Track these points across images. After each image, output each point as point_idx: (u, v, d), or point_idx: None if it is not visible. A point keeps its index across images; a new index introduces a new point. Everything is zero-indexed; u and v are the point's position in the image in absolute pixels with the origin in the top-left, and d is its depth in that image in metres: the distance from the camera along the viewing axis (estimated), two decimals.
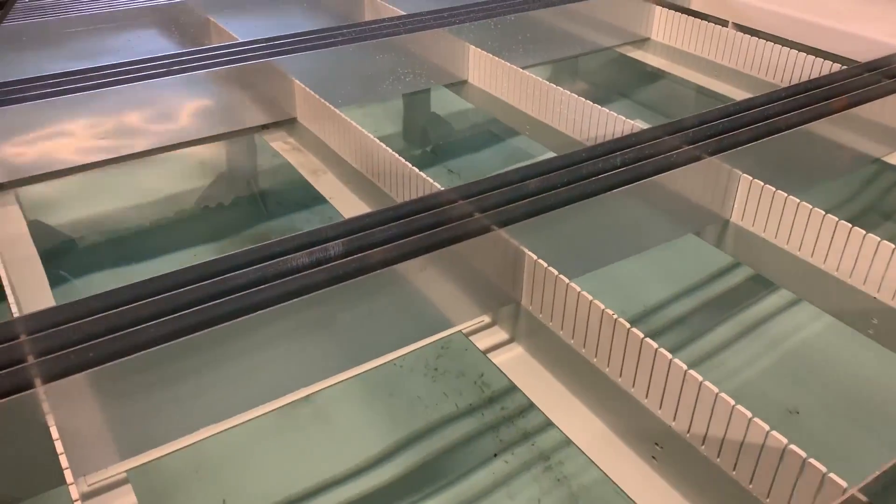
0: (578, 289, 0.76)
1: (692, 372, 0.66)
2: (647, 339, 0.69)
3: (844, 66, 1.24)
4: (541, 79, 1.27)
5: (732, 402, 0.63)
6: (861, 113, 1.11)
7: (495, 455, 0.96)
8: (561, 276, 0.78)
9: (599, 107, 1.16)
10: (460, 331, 0.88)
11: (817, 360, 1.06)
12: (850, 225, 0.87)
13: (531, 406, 0.82)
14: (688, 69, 1.53)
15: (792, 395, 1.03)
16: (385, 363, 0.84)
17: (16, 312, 0.76)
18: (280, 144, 1.25)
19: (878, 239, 0.85)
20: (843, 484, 0.55)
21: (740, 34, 1.48)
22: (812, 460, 0.58)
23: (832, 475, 0.57)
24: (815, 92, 1.12)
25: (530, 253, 0.82)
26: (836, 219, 0.89)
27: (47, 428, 0.61)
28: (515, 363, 0.85)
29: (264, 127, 1.26)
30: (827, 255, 0.91)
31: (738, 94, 1.37)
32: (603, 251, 0.94)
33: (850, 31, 1.37)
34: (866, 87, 1.14)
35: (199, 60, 1.21)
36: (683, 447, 0.68)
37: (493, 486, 0.93)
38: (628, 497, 0.69)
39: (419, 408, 1.01)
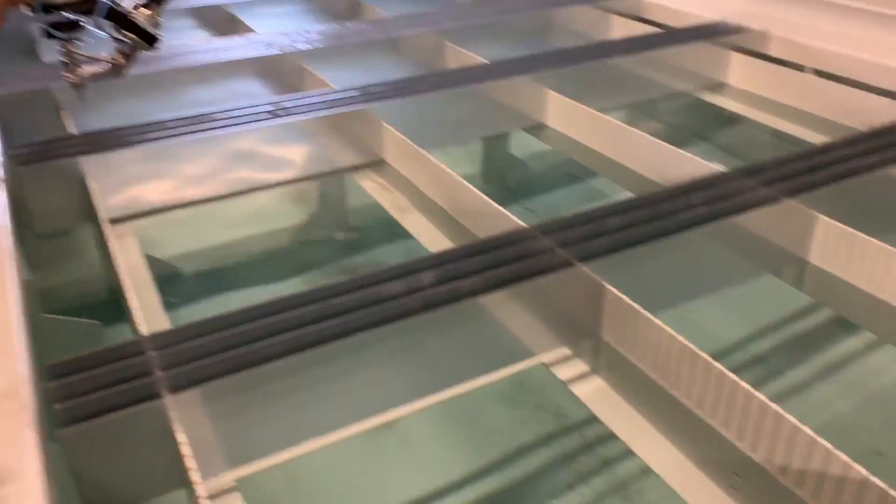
0: (659, 323, 0.80)
1: (773, 405, 0.68)
2: (728, 372, 0.72)
3: None
4: (618, 121, 1.32)
5: (812, 433, 0.65)
6: None
7: (571, 486, 0.99)
8: (643, 310, 0.82)
9: (677, 149, 1.20)
10: (541, 362, 0.92)
11: None
12: None
13: (610, 436, 0.84)
14: (765, 113, 1.55)
15: (876, 437, 1.03)
16: (468, 392, 0.88)
17: (142, 332, 0.84)
18: (369, 184, 1.33)
19: None
20: None
21: (819, 79, 1.49)
22: (894, 493, 0.60)
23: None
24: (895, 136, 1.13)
25: (611, 288, 0.86)
26: None
27: (172, 434, 0.68)
28: (595, 394, 0.88)
29: (355, 168, 1.34)
30: None
31: (817, 139, 1.38)
32: (682, 289, 0.97)
33: None
34: None
35: (297, 107, 1.30)
36: (763, 477, 0.70)
37: None
38: None
39: (499, 436, 1.05)
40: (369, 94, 1.36)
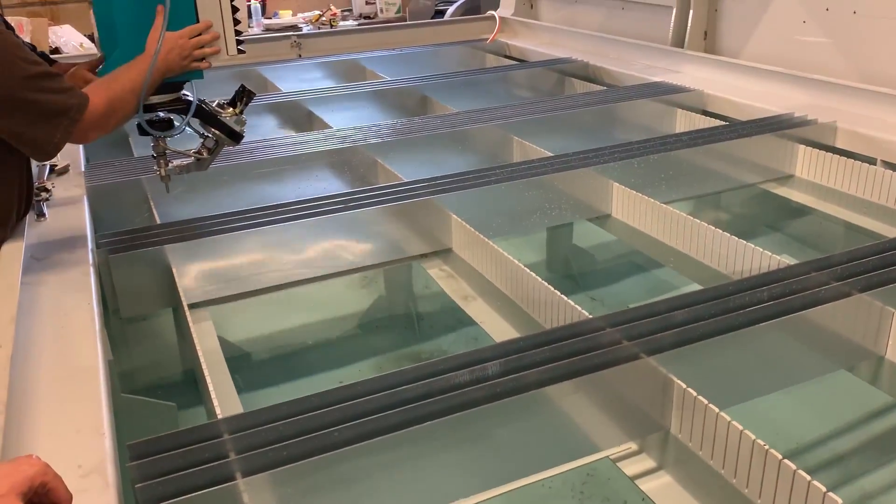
0: (729, 419, 0.79)
1: (818, 484, 0.66)
2: (800, 471, 0.70)
3: None
4: (683, 213, 1.33)
5: None
6: None
7: None
8: (711, 405, 0.81)
9: (744, 241, 1.20)
10: (607, 456, 0.91)
11: None
12: None
13: None
14: (834, 205, 1.54)
15: None
16: (533, 483, 0.88)
17: (218, 415, 0.87)
18: (436, 272, 1.36)
19: None
20: None
21: (889, 171, 1.48)
22: None
23: None
24: None
25: (679, 381, 0.85)
26: None
27: None
28: (663, 491, 0.86)
29: (423, 256, 1.38)
30: None
31: (888, 231, 1.36)
32: (751, 383, 0.95)
33: None
34: None
35: (370, 198, 1.36)
36: None
37: None
38: None
39: None
40: (437, 185, 1.41)
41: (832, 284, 0.98)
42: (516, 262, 1.18)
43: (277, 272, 1.30)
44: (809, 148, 1.62)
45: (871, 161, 1.56)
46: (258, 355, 1.37)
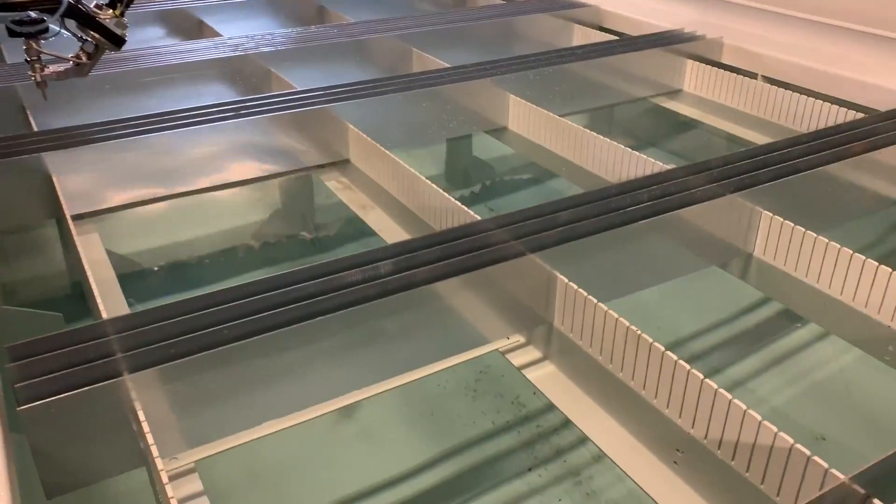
0: (606, 308, 0.83)
1: (708, 381, 0.72)
2: (668, 353, 0.76)
3: (865, 115, 1.31)
4: (576, 125, 1.36)
5: (744, 406, 0.68)
6: (878, 157, 1.17)
7: (529, 469, 1.02)
8: (591, 297, 0.85)
9: (632, 151, 1.24)
10: (497, 349, 0.95)
11: (842, 389, 1.10)
12: (863, 257, 0.93)
13: (564, 420, 0.88)
14: (718, 118, 1.61)
15: (819, 424, 1.07)
16: (427, 379, 0.91)
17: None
18: (334, 183, 1.35)
19: (891, 270, 0.90)
20: (842, 476, 0.60)
21: (769, 86, 1.55)
22: (816, 458, 0.64)
23: (833, 470, 0.62)
24: (836, 137, 1.19)
25: (562, 277, 0.89)
26: (851, 251, 0.94)
27: (134, 413, 0.70)
28: (548, 380, 0.91)
29: (320, 167, 1.37)
30: (843, 286, 0.96)
31: (765, 141, 1.44)
32: (630, 279, 1.01)
33: (872, 83, 1.44)
34: (884, 133, 1.20)
35: (264, 106, 1.32)
36: (702, 452, 0.74)
37: (527, 499, 0.99)
38: (654, 501, 0.74)
39: (458, 425, 1.08)
40: (332, 94, 1.39)
41: (706, 186, 1.04)
42: (414, 171, 1.19)
43: (166, 184, 1.26)
44: (697, 63, 1.67)
45: (753, 76, 1.63)
46: (149, 269, 1.34)
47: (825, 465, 0.63)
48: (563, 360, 0.92)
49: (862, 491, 0.58)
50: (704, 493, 0.74)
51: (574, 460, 1.03)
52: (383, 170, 1.27)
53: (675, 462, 0.77)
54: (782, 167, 1.09)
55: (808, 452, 0.64)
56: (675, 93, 1.71)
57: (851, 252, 0.94)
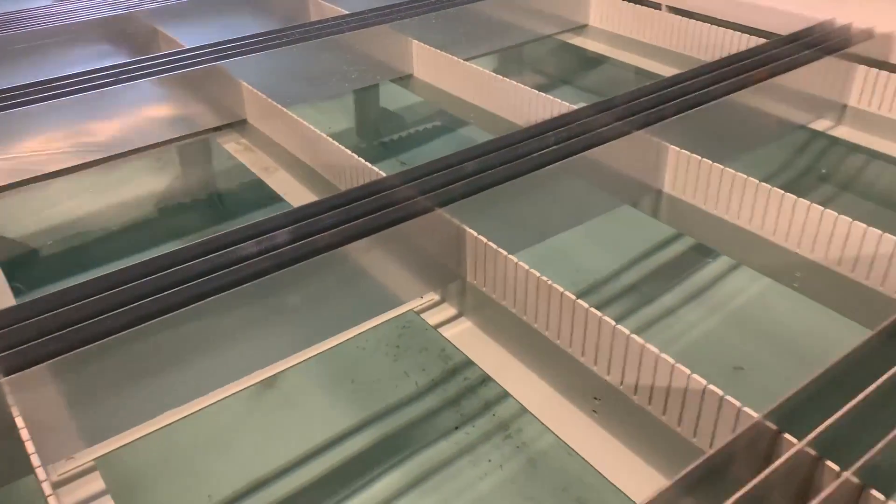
0: (516, 260, 0.81)
1: (620, 326, 0.71)
2: (579, 301, 0.74)
3: (767, 41, 1.31)
4: (483, 69, 1.32)
5: (657, 350, 0.68)
6: (781, 82, 1.17)
7: (456, 428, 1.00)
8: (500, 250, 0.83)
9: (539, 92, 1.21)
10: (412, 309, 0.93)
11: (755, 318, 1.12)
12: (768, 186, 0.93)
13: (485, 375, 0.86)
14: (625, 52, 1.59)
15: (736, 354, 1.09)
16: (345, 346, 0.88)
17: None
18: (232, 146, 1.28)
19: (795, 197, 0.91)
20: (755, 415, 0.60)
21: (673, 16, 1.54)
22: (729, 397, 0.63)
23: (746, 408, 0.62)
24: (738, 65, 1.18)
25: (471, 230, 0.86)
26: (757, 181, 0.94)
27: (12, 418, 0.64)
28: (466, 336, 0.89)
29: (217, 129, 1.29)
30: (752, 216, 0.96)
31: (671, 73, 1.43)
32: (542, 226, 0.99)
33: (772, 6, 1.44)
34: (786, 58, 1.20)
35: (149, 68, 1.24)
36: (619, 398, 0.73)
37: (457, 456, 0.97)
38: (574, 451, 0.73)
39: (382, 387, 1.05)
40: (222, 50, 1.30)
41: (614, 124, 1.02)
42: (314, 128, 1.13)
43: (52, 157, 1.17)
44: None
45: (658, 7, 1.61)
46: (42, 250, 1.25)
47: (738, 403, 0.62)
48: (478, 315, 0.90)
49: (774, 427, 0.58)
50: (624, 440, 0.73)
51: (501, 415, 1.02)
52: (283, 129, 1.21)
53: (595, 411, 0.76)
54: (687, 99, 1.08)
55: (720, 393, 0.63)
56: (581, 28, 1.68)
57: (757, 182, 0.94)
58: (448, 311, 0.92)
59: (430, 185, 0.90)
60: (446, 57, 1.38)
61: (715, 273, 1.17)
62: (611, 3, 1.64)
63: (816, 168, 1.32)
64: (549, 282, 0.77)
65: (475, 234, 0.86)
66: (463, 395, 1.06)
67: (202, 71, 1.25)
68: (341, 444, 1.02)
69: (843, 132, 1.30)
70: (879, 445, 0.54)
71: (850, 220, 0.85)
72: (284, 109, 1.20)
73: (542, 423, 0.78)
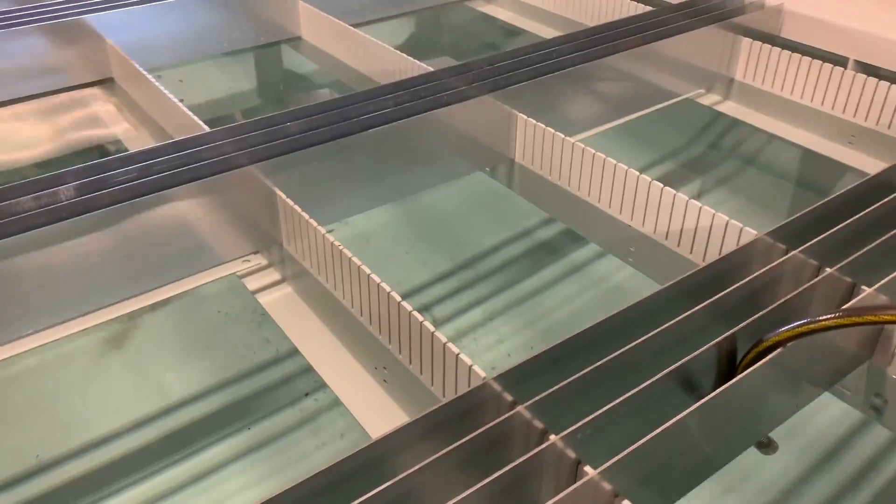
0: (324, 231, 0.77)
1: (394, 293, 0.68)
2: (363, 266, 0.71)
3: (655, 8, 1.27)
4: (368, 35, 1.27)
5: (433, 328, 0.64)
6: (659, 49, 1.13)
7: (306, 395, 0.98)
8: (312, 220, 0.79)
9: (408, 56, 1.17)
10: (234, 273, 0.89)
11: (597, 293, 1.10)
12: (614, 162, 0.89)
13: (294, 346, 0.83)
14: (514, 14, 1.56)
15: (549, 322, 1.06)
16: (178, 305, 0.84)
17: None
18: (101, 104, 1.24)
19: (627, 168, 0.87)
20: (482, 373, 0.58)
21: None
22: (476, 367, 0.60)
23: (476, 367, 0.59)
24: (615, 31, 1.14)
25: (282, 194, 0.83)
26: (594, 152, 0.91)
27: None
28: (283, 302, 0.86)
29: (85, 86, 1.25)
30: (590, 188, 0.93)
31: (545, 33, 1.41)
32: (382, 191, 0.95)
33: None
34: (671, 24, 1.17)
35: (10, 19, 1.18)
36: (401, 370, 0.71)
37: (300, 425, 0.95)
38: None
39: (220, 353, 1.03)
40: (90, 4, 1.25)
41: (462, 88, 0.98)
42: (171, 97, 1.08)
43: None
44: None
45: None
46: None
47: (482, 373, 0.59)
48: (297, 283, 0.86)
49: (499, 388, 0.55)
50: (407, 408, 0.71)
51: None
52: (146, 93, 1.16)
53: (385, 380, 0.74)
54: (544, 66, 1.04)
55: (482, 374, 0.60)
56: None
57: (594, 152, 0.91)
58: (273, 275, 0.89)
59: (250, 143, 0.86)
60: (334, 21, 1.34)
61: (562, 245, 1.15)
62: None
63: (684, 140, 1.30)
64: (349, 253, 0.74)
65: (288, 200, 0.82)
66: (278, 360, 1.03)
67: (65, 24, 1.20)
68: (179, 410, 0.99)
69: (729, 107, 1.27)
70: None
71: (674, 192, 0.83)
72: (144, 73, 1.15)
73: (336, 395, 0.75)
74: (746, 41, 1.22)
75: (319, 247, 0.78)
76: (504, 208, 1.18)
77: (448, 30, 1.70)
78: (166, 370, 1.00)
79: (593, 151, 0.90)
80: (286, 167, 0.85)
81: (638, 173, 0.86)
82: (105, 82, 1.27)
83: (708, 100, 1.28)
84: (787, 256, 0.67)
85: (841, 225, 0.70)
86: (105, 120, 1.21)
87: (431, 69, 1.09)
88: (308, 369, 0.86)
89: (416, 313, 0.66)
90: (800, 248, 0.67)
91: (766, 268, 0.65)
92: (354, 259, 0.72)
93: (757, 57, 1.21)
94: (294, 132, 0.89)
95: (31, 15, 1.21)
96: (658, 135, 1.31)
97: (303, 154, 0.85)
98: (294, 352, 0.84)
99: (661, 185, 0.84)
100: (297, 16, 1.40)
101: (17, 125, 1.23)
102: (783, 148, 1.23)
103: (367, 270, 0.71)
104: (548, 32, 1.50)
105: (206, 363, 1.00)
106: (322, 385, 0.87)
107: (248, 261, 0.90)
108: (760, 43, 1.20)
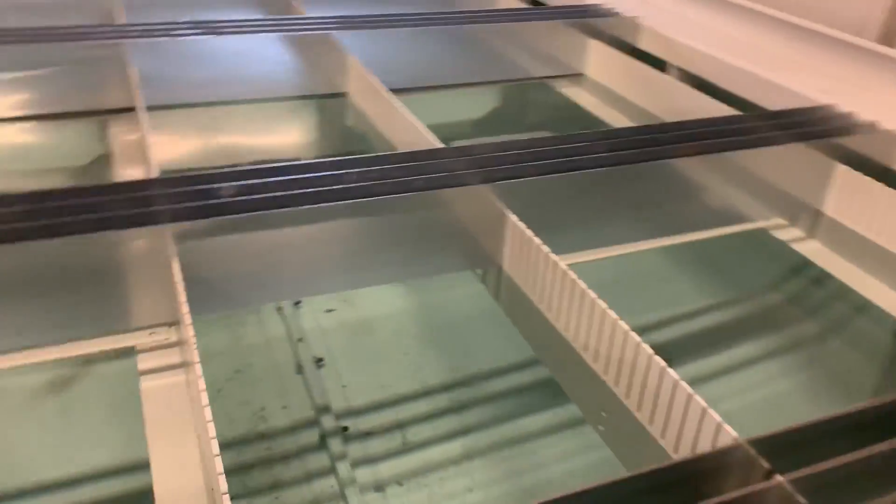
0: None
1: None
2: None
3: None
4: None
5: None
6: None
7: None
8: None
9: None
10: None
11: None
12: (603, 305, 0.72)
13: None
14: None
15: None
16: None
17: None
18: None
19: (626, 328, 0.69)
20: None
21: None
22: None
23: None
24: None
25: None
26: (583, 287, 0.76)
27: None
28: None
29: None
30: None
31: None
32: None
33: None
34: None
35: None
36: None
37: None
38: None
39: None
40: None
41: None
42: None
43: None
44: None
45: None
46: None
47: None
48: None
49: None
50: None
51: None
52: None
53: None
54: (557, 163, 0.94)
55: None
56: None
57: (583, 288, 0.77)
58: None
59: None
60: None
61: None
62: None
63: (744, 280, 1.09)
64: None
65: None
66: None
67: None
68: None
69: (811, 248, 1.02)
70: None
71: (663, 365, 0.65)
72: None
73: None
74: (845, 169, 1.04)
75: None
76: None
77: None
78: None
79: (583, 287, 0.75)
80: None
81: (627, 328, 0.68)
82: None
83: (787, 234, 1.07)
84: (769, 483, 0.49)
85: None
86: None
87: None
88: None
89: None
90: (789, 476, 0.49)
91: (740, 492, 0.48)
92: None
93: (856, 190, 1.02)
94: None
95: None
96: (713, 267, 1.14)
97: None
98: None
99: (650, 351, 0.66)
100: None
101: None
102: (875, 318, 0.98)
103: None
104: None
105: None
106: None
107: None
108: (861, 174, 1.01)
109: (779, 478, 0.48)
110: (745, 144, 0.98)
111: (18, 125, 1.29)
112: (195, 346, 0.64)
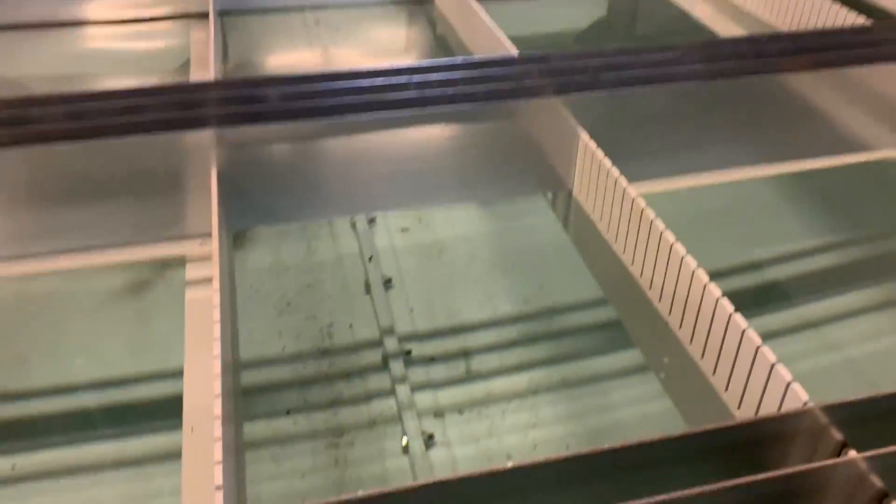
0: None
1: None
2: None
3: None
4: None
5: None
6: None
7: None
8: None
9: None
10: None
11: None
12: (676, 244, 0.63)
13: None
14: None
15: None
16: None
17: None
18: None
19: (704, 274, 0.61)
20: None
21: None
22: None
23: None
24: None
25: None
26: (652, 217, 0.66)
27: None
28: None
29: None
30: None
31: None
32: None
33: None
34: None
35: None
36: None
37: None
38: None
39: None
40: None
41: None
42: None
43: None
44: None
45: None
46: None
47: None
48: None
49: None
50: None
51: None
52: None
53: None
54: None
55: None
56: None
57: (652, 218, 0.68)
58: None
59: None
60: None
61: None
62: None
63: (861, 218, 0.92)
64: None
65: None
66: None
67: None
68: None
69: None
70: None
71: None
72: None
73: None
74: None
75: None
76: None
77: None
78: None
79: (651, 217, 0.67)
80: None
81: (694, 265, 0.61)
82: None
83: None
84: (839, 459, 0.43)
85: None
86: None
87: None
88: None
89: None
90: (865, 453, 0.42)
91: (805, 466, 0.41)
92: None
93: None
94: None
95: None
96: (823, 203, 0.96)
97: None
98: None
99: (718, 292, 0.58)
100: None
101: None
102: None
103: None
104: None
105: None
106: None
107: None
108: None
109: (852, 453, 0.41)
110: (871, 58, 0.84)
111: (124, 28, 1.31)
112: (217, 259, 0.61)
